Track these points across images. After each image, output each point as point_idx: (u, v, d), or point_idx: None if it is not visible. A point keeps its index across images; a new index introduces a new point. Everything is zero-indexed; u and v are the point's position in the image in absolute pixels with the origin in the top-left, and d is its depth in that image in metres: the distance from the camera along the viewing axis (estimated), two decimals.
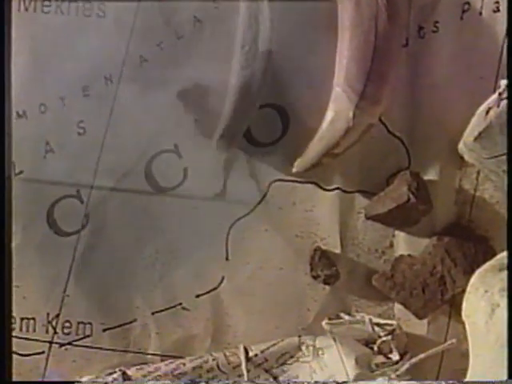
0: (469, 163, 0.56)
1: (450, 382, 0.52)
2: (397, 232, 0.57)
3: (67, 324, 0.56)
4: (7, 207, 0.54)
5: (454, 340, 0.54)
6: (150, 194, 0.56)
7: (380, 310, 0.57)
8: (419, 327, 0.56)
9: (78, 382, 0.54)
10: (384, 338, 0.54)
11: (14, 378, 0.55)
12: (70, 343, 0.56)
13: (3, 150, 0.54)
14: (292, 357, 0.55)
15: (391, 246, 0.57)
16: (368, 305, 0.57)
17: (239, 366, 0.55)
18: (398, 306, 0.56)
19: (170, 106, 0.55)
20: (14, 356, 0.56)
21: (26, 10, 0.55)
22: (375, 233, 0.57)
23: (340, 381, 0.52)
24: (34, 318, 0.56)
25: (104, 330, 0.56)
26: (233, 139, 0.55)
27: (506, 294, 0.48)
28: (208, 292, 0.56)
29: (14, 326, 0.56)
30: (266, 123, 0.56)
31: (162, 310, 0.56)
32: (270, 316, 0.56)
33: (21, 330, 0.56)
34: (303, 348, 0.55)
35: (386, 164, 0.56)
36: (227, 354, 0.55)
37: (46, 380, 0.56)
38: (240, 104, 0.54)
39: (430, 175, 0.56)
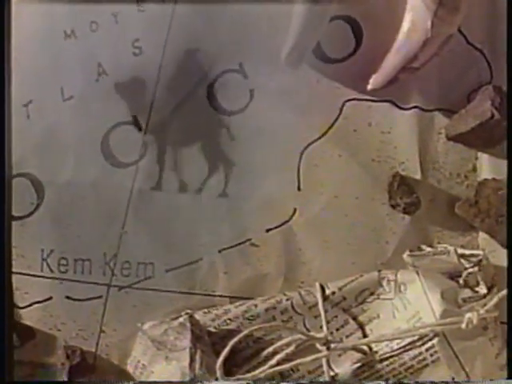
0: None
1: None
2: (480, 154, 0.54)
3: (126, 265, 0.52)
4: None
5: None
6: (214, 119, 0.52)
7: (463, 241, 0.53)
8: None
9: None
10: (470, 270, 0.51)
11: (70, 326, 0.52)
12: (129, 286, 0.52)
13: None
14: (372, 294, 0.52)
15: (474, 169, 0.54)
16: (451, 235, 0.53)
17: (315, 305, 0.51)
18: (482, 235, 0.53)
19: (234, 22, 0.52)
20: (69, 301, 0.52)
21: None
22: (457, 155, 0.53)
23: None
24: (89, 259, 0.52)
25: (167, 271, 0.52)
26: (302, 55, 0.51)
27: None
28: (279, 226, 0.53)
29: (66, 268, 0.52)
30: (338, 37, 0.52)
31: (230, 247, 0.53)
32: (347, 250, 0.53)
33: (75, 272, 0.52)
34: (384, 283, 0.51)
35: (466, 79, 0.53)
36: (302, 293, 0.52)
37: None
38: (309, 16, 0.50)
39: None
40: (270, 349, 0.51)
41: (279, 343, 0.50)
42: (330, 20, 0.51)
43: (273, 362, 0.50)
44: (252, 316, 0.51)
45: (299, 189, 0.53)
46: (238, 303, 0.52)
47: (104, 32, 0.52)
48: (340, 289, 0.52)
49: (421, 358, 0.50)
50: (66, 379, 0.51)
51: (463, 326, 0.49)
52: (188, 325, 0.50)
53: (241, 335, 0.50)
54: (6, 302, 0.50)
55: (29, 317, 0.52)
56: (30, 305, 0.52)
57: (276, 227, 0.53)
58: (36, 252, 0.52)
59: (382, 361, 0.50)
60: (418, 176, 0.53)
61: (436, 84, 0.53)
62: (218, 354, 0.49)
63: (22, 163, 0.52)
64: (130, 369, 0.52)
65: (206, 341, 0.50)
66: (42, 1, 0.52)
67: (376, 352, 0.51)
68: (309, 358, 0.50)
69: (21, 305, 0.52)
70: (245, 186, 0.53)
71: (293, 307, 0.51)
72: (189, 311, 0.51)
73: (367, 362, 0.50)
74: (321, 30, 0.51)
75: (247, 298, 0.52)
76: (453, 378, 0.50)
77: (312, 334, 0.51)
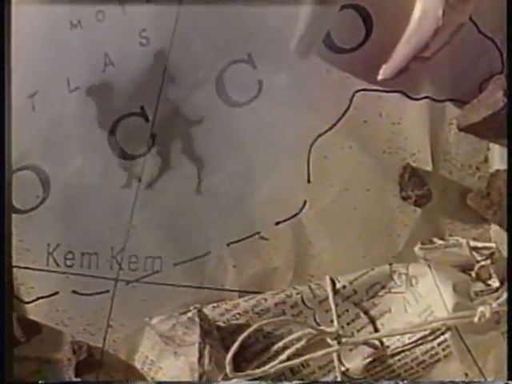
0: None
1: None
2: (491, 144, 0.53)
3: (134, 259, 0.52)
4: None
5: None
6: (222, 109, 0.51)
7: (475, 233, 0.53)
8: None
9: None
10: (483, 263, 0.50)
11: (76, 322, 0.52)
12: (137, 280, 0.52)
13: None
14: (383, 287, 0.51)
15: (486, 160, 0.53)
16: (462, 227, 0.53)
17: (326, 299, 0.51)
18: (494, 228, 0.52)
19: (242, 11, 0.51)
20: (75, 296, 0.52)
21: None
22: (468, 146, 0.53)
23: None
24: (96, 253, 0.52)
25: (175, 265, 0.52)
26: (311, 45, 0.50)
27: None
28: (289, 219, 0.52)
29: (73, 262, 0.52)
30: (347, 26, 0.52)
31: (239, 241, 0.52)
32: (357, 243, 0.52)
33: (81, 266, 0.52)
34: (395, 277, 0.51)
35: (477, 68, 0.52)
36: (312, 286, 0.51)
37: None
38: (319, 5, 0.49)
39: None
40: (280, 344, 0.50)
41: (289, 338, 0.50)
42: (340, 9, 0.51)
43: (283, 357, 0.49)
44: (262, 310, 0.50)
45: (309, 181, 0.52)
46: (247, 297, 0.51)
47: (111, 22, 0.51)
48: (351, 282, 0.51)
49: (433, 352, 0.49)
50: (72, 375, 0.50)
51: (476, 319, 0.48)
52: (197, 319, 0.49)
53: (250, 330, 0.49)
54: (6, 301, 0.49)
55: (35, 312, 0.51)
56: (35, 299, 0.51)
57: (285, 220, 0.52)
58: (42, 246, 0.51)
59: (393, 355, 0.50)
60: (430, 167, 0.52)
61: (447, 74, 0.52)
62: (227, 349, 0.48)
63: (27, 156, 0.51)
64: (137, 364, 0.51)
65: (215, 336, 0.50)
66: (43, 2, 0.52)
67: (387, 347, 0.50)
68: (319, 353, 0.49)
69: (26, 299, 0.52)
70: (254, 178, 0.52)
71: (303, 301, 0.51)
72: (197, 306, 0.50)
73: (379, 356, 0.50)
74: (330, 19, 0.50)
75: (256, 292, 0.51)
76: (466, 374, 0.49)
77: (322, 328, 0.50)
